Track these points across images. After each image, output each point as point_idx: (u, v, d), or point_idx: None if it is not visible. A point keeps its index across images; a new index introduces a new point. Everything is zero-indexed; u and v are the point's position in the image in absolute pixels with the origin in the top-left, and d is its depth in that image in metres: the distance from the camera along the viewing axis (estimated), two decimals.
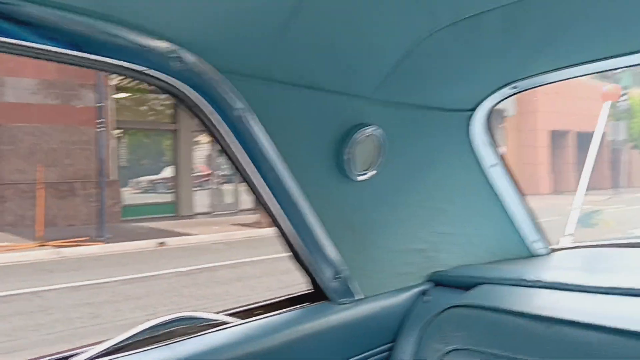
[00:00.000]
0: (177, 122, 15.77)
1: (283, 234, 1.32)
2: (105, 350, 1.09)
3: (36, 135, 12.91)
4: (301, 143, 1.26)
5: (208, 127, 1.14)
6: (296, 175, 1.24)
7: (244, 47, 1.09)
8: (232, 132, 1.13)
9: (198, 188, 16.38)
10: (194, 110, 1.11)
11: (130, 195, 15.01)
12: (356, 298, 1.42)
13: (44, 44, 0.88)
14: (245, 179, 1.22)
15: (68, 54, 0.92)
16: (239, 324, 1.24)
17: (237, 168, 1.21)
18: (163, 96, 15.65)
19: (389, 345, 1.48)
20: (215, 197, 16.75)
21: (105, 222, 11.43)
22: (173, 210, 15.57)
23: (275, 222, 1.31)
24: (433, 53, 1.31)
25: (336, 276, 1.37)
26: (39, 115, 12.93)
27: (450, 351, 1.33)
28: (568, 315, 1.18)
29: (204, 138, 16.68)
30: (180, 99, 1.10)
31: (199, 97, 1.08)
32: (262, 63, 1.14)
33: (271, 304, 1.37)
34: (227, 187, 17.11)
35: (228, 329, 1.21)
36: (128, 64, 0.99)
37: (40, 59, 0.94)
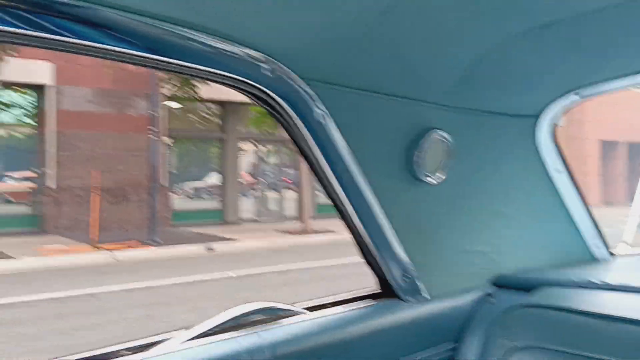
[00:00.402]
0: (224, 131, 16.10)
1: (354, 234, 1.39)
2: (196, 335, 1.19)
3: (92, 143, 13.42)
4: (374, 147, 1.33)
5: (290, 131, 1.22)
6: (368, 178, 1.31)
7: (326, 56, 1.17)
8: (312, 136, 1.21)
9: (243, 195, 16.65)
10: (278, 115, 1.20)
11: (178, 201, 15.39)
12: (423, 297, 1.47)
13: (145, 52, 0.98)
14: (321, 181, 1.30)
15: (166, 62, 1.01)
16: (315, 317, 1.31)
17: (314, 170, 1.28)
18: (212, 105, 16.03)
19: (453, 344, 1.52)
20: (260, 204, 16.99)
21: (156, 226, 11.76)
22: (220, 217, 15.87)
23: (347, 222, 1.37)
24: (501, 60, 1.36)
25: (404, 275, 1.43)
26: (95, 123, 13.45)
27: (517, 349, 1.37)
28: (634, 315, 1.21)
29: (248, 146, 16.97)
30: (265, 104, 1.19)
31: (283, 103, 1.16)
32: (341, 71, 1.22)
33: (342, 300, 1.44)
34: (272, 195, 17.34)
35: (306, 321, 1.29)
36: (220, 71, 1.08)
37: (136, 64, 1.03)
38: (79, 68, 13.05)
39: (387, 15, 1.12)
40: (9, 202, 13.23)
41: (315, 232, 13.57)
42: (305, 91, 1.17)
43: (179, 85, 13.15)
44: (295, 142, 1.24)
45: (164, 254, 10.81)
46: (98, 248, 10.73)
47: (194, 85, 13.15)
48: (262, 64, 1.10)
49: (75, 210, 13.10)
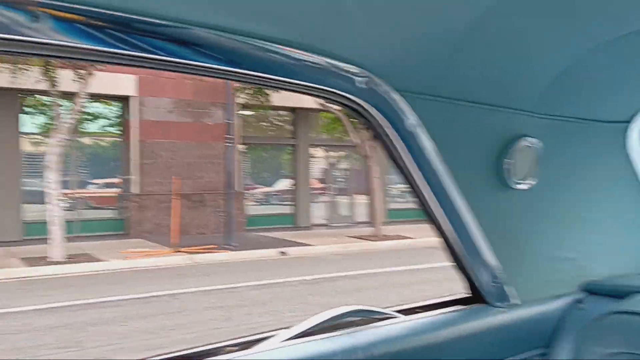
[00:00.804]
0: (295, 137, 16.38)
1: (444, 239, 1.43)
2: (295, 334, 1.26)
3: (172, 151, 14.03)
4: (464, 154, 1.37)
5: (382, 140, 1.28)
6: (459, 184, 1.35)
7: (418, 67, 1.22)
8: (404, 145, 1.26)
9: (314, 200, 16.84)
10: (372, 125, 1.26)
11: (251, 206, 15.77)
12: (512, 302, 1.48)
13: (248, 70, 1.05)
14: (413, 187, 1.34)
15: (265, 77, 1.08)
16: (406, 320, 1.36)
17: (405, 177, 1.33)
18: (283, 112, 16.35)
19: (543, 349, 1.52)
20: (331, 210, 17.13)
21: (232, 231, 12.13)
22: (292, 222, 16.13)
23: (437, 228, 1.41)
24: (591, 67, 1.36)
25: (494, 280, 1.45)
26: (175, 132, 14.06)
27: (609, 356, 1.35)
28: None
29: (319, 152, 17.16)
30: (359, 115, 1.25)
31: (377, 113, 1.22)
32: (432, 81, 1.26)
33: (432, 304, 1.48)
34: (342, 200, 17.43)
35: (397, 323, 1.34)
36: (315, 85, 1.15)
37: (240, 81, 1.12)
38: (160, 80, 13.69)
39: (478, 26, 1.16)
40: (96, 207, 14.03)
41: (387, 237, 13.53)
42: (397, 102, 1.23)
43: (252, 93, 13.52)
44: (387, 151, 1.30)
45: (239, 257, 11.12)
46: (178, 251, 11.18)
47: (267, 94, 13.49)
48: (356, 77, 1.16)
49: (156, 215, 13.73)
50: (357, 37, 1.12)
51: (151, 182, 13.75)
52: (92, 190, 14.04)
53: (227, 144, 12.39)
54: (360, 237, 13.65)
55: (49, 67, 9.93)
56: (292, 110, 16.13)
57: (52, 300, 7.51)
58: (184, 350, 1.39)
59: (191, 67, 0.98)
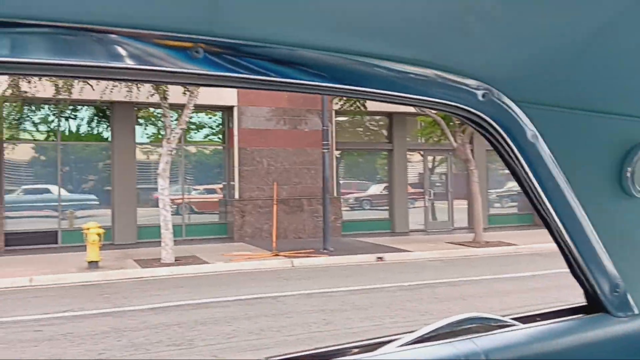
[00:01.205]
0: (392, 142, 16.33)
1: (562, 247, 1.41)
2: (414, 339, 1.30)
3: (271, 157, 14.51)
4: (584, 163, 1.35)
5: (500, 150, 1.29)
6: (578, 193, 1.33)
7: (537, 78, 1.23)
8: (522, 155, 1.27)
9: (411, 206, 16.68)
10: (491, 136, 1.28)
11: (347, 211, 15.90)
12: (635, 313, 1.43)
13: (371, 88, 1.11)
14: (529, 196, 1.34)
15: (396, 96, 1.13)
16: (525, 328, 1.36)
17: (522, 185, 1.34)
18: (377, 117, 16.38)
19: None
20: (429, 215, 16.89)
21: (329, 236, 12.32)
22: (388, 227, 16.09)
23: (555, 237, 1.40)
24: None
25: (614, 289, 1.41)
26: (273, 139, 14.52)
27: None
28: None
29: (415, 156, 16.99)
30: (477, 126, 1.28)
31: (496, 125, 1.24)
32: (551, 91, 1.26)
33: (549, 312, 1.46)
34: (440, 205, 17.14)
35: (516, 331, 1.34)
36: (437, 99, 1.19)
37: (371, 99, 1.18)
38: (257, 90, 14.19)
39: (599, 35, 1.15)
40: (200, 212, 14.79)
41: (489, 244, 13.13)
42: (516, 113, 1.24)
43: (347, 100, 13.67)
44: (505, 161, 1.31)
45: (337, 262, 11.27)
46: (277, 255, 11.52)
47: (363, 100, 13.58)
48: (476, 90, 1.20)
49: (256, 219, 14.23)
50: (476, 51, 1.15)
51: (251, 187, 14.28)
52: (196, 195, 14.82)
53: (324, 150, 12.60)
54: (459, 244, 13.35)
55: None
56: (388, 115, 16.12)
57: (165, 300, 8.01)
58: (307, 350, 1.47)
59: (323, 88, 1.07)
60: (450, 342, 1.29)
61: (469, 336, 1.31)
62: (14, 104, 11.15)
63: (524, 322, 1.40)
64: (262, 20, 0.95)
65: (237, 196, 14.23)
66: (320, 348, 1.40)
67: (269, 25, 0.96)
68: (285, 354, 1.46)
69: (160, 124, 14.21)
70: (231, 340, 6.02)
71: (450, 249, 12.83)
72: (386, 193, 16.56)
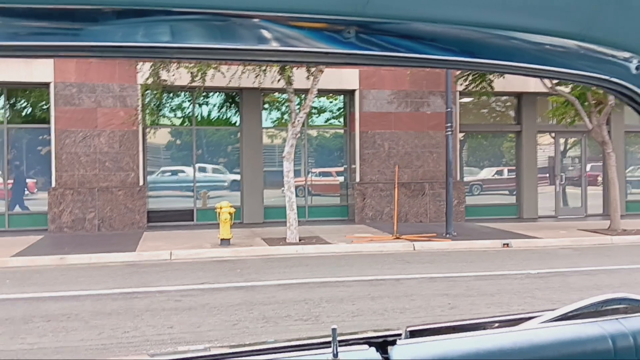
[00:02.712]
0: (520, 123, 15.57)
1: None
2: (556, 316, 1.28)
3: (392, 140, 14.46)
4: None
5: None
6: None
7: None
8: None
9: (540, 191, 15.83)
10: None
11: (470, 195, 15.44)
12: None
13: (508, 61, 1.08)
14: None
15: (543, 69, 1.10)
16: None
17: None
18: (506, 98, 15.66)
19: None
20: (559, 201, 15.94)
21: (452, 220, 12.07)
22: (515, 212, 15.43)
23: None
24: None
25: None
26: (394, 122, 14.45)
27: None
28: None
29: (546, 139, 16.06)
30: (632, 101, 1.20)
31: None
32: None
33: None
34: (572, 190, 16.11)
35: None
36: (590, 73, 1.14)
37: (518, 74, 1.15)
38: (380, 73, 14.18)
39: None
40: (322, 194, 15.14)
41: (626, 232, 12.15)
42: None
43: (472, 80, 13.21)
44: None
45: (460, 247, 11.03)
46: (399, 238, 11.52)
47: (491, 80, 13.06)
48: (630, 63, 1.13)
49: (377, 202, 14.30)
50: (630, 20, 1.08)
51: (372, 171, 14.35)
52: (317, 178, 15.18)
53: (447, 133, 12.32)
54: (593, 231, 12.48)
55: (286, 67, 10.97)
56: (517, 95, 15.37)
57: (291, 277, 8.36)
58: (446, 322, 1.50)
59: (469, 64, 1.06)
60: (595, 321, 1.26)
61: (616, 317, 1.27)
62: (155, 92, 12.08)
63: None
64: None
65: (358, 179, 14.38)
66: (460, 320, 1.42)
67: (418, 3, 0.97)
68: (427, 324, 1.49)
69: (283, 108, 14.72)
70: (355, 319, 6.15)
71: (583, 236, 12.04)
72: (515, 177, 15.85)
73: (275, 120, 14.88)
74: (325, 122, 15.32)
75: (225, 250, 10.46)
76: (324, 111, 15.23)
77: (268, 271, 8.93)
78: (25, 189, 13.63)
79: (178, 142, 14.67)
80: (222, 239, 10.82)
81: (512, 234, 12.24)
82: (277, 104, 14.73)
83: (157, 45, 0.87)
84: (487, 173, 16.16)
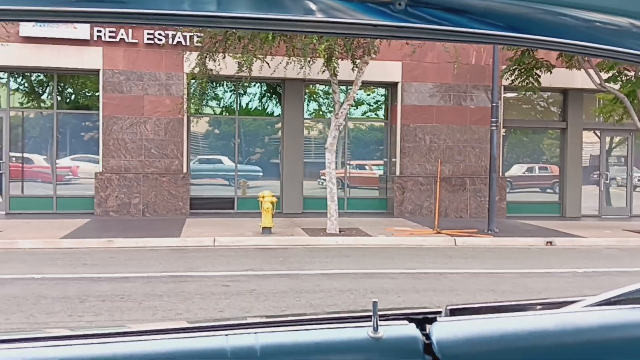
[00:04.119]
0: (565, 120, 15.26)
1: None
2: (599, 301, 1.27)
3: (434, 134, 14.35)
4: None
5: None
6: None
7: None
8: None
9: (584, 189, 15.51)
10: None
11: (511, 192, 15.22)
12: None
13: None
14: None
15: (595, 47, 1.04)
16: None
17: None
18: (551, 94, 15.36)
19: None
20: (604, 200, 15.59)
21: (494, 216, 11.95)
22: (558, 211, 15.16)
23: None
24: None
25: None
26: (436, 115, 14.33)
27: None
28: None
29: (591, 137, 15.71)
30: None
31: None
32: None
33: None
34: (617, 190, 15.74)
35: None
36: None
37: (568, 52, 1.10)
38: (423, 65, 14.07)
39: None
40: (361, 187, 15.14)
41: None
42: None
43: (519, 74, 13.00)
44: None
45: (502, 244, 10.92)
46: (439, 232, 11.46)
47: (538, 75, 12.84)
48: None
49: (417, 196, 14.24)
50: None
51: (412, 164, 14.28)
52: (356, 171, 15.18)
53: (492, 127, 12.16)
54: (639, 232, 12.20)
55: (332, 59, 10.98)
56: (562, 91, 15.05)
57: (334, 267, 8.41)
58: (488, 302, 1.51)
59: (520, 40, 1.02)
60: (637, 307, 1.26)
61: None
62: (200, 81, 12.23)
63: None
64: None
65: (398, 172, 14.33)
66: (501, 301, 1.42)
67: None
68: (467, 303, 1.50)
69: (321, 100, 14.75)
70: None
71: (629, 236, 11.77)
72: (559, 175, 15.57)
73: (312, 112, 14.90)
74: (363, 114, 15.26)
75: (266, 239, 10.58)
76: (363, 104, 15.20)
77: (310, 261, 9.00)
78: (72, 173, 14.02)
79: (220, 131, 14.85)
80: (263, 228, 10.94)
81: (555, 232, 12.05)
82: (317, 95, 14.77)
83: (201, 14, 0.86)
84: (524, 170, 15.89)
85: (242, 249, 9.90)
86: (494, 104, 12.11)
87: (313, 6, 0.89)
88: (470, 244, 10.89)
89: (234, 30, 9.97)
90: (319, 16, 0.89)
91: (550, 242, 11.03)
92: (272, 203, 10.96)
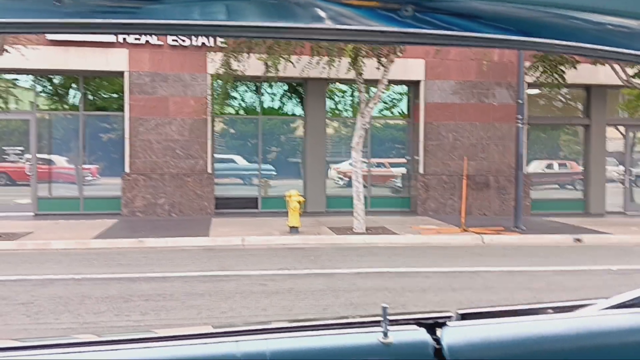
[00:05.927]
0: (589, 116, 15.17)
1: None
2: (614, 304, 1.28)
3: (457, 132, 14.33)
4: None
5: None
6: None
7: None
8: None
9: (608, 186, 15.42)
10: None
11: (535, 190, 15.15)
12: None
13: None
14: None
15: (614, 51, 1.05)
16: None
17: None
18: (575, 90, 15.27)
19: None
20: (629, 197, 15.50)
21: (519, 214, 11.92)
22: (582, 207, 15.09)
23: None
24: None
25: None
26: (459, 113, 14.31)
27: None
28: None
29: (615, 133, 15.60)
30: None
31: None
32: None
33: None
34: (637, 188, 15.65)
35: None
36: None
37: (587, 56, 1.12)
38: (445, 63, 14.05)
39: None
40: (385, 185, 15.14)
41: None
42: None
43: (543, 71, 12.94)
44: None
45: (530, 241, 10.90)
46: (466, 231, 11.46)
47: (563, 72, 12.78)
48: None
49: (440, 194, 14.24)
50: None
51: (436, 162, 14.27)
52: (381, 169, 15.19)
53: (518, 124, 12.13)
54: None
55: (358, 58, 11.01)
56: (585, 87, 14.96)
57: (366, 266, 8.45)
58: (503, 305, 1.52)
59: (531, 44, 1.01)
60: None
61: None
62: (225, 82, 12.30)
63: None
64: None
65: (421, 170, 14.33)
66: (513, 305, 1.43)
67: None
68: (478, 307, 1.51)
69: (345, 99, 14.78)
70: (442, 309, 6.19)
71: None
72: (583, 171, 15.49)
73: (335, 112, 14.93)
74: (381, 112, 15.22)
75: (294, 238, 10.64)
76: (385, 102, 15.19)
77: (341, 259, 9.04)
78: (97, 174, 14.17)
79: (242, 130, 14.92)
80: (291, 227, 11.00)
81: (582, 229, 11.99)
82: (342, 94, 14.80)
83: (212, 24, 0.88)
84: (553, 166, 15.82)
85: (271, 249, 9.97)
86: (520, 101, 12.08)
87: (322, 13, 0.90)
88: (498, 242, 10.88)
89: None
90: (328, 23, 0.90)
91: (579, 240, 10.99)
92: (299, 202, 11.02)
